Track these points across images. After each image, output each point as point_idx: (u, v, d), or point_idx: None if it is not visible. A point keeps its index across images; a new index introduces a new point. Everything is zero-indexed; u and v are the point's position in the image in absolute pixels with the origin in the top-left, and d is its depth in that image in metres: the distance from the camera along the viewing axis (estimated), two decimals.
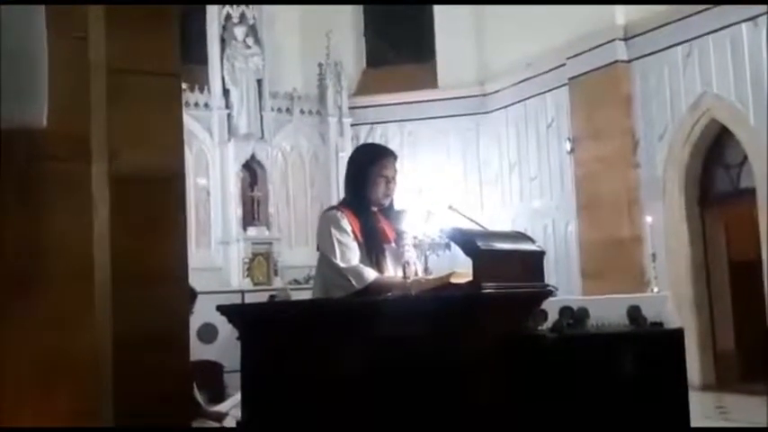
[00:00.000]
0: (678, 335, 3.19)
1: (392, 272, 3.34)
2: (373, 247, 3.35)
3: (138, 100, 3.02)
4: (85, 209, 2.59)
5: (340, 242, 3.29)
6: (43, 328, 2.46)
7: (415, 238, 3.33)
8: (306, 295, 8.49)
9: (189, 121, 10.05)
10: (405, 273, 3.22)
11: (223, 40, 10.93)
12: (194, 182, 10.44)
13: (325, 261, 3.34)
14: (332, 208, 3.56)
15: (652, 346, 3.05)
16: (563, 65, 10.28)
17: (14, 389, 2.38)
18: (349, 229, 3.33)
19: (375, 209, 3.45)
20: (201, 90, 10.77)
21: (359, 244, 3.32)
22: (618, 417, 2.85)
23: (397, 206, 3.55)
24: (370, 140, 11.29)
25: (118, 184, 2.88)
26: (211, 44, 10.86)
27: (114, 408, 2.72)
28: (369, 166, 3.43)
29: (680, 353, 3.10)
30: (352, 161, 3.58)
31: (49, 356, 2.46)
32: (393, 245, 3.41)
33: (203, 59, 10.86)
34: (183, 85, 8.79)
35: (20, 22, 2.34)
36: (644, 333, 3.18)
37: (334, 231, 3.31)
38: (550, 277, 3.33)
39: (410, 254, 3.36)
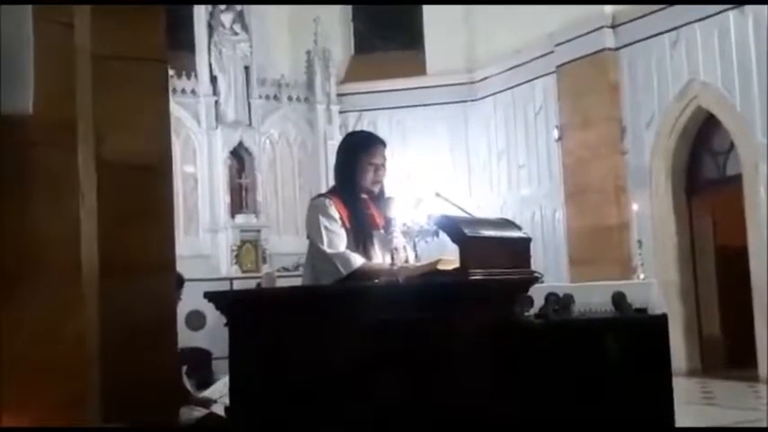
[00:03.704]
0: (662, 320, 3.21)
1: (380, 258, 3.35)
2: (361, 234, 3.36)
3: (124, 86, 3.01)
4: (72, 195, 2.58)
5: (327, 229, 3.30)
6: (31, 318, 2.46)
7: (404, 224, 3.34)
8: (294, 282, 8.52)
9: (176, 107, 9.99)
10: (393, 259, 3.23)
11: (210, 27, 10.87)
12: (181, 169, 10.39)
13: (314, 248, 3.35)
14: (320, 195, 3.57)
15: (636, 332, 3.08)
16: (551, 52, 10.28)
17: (3, 379, 2.37)
18: (337, 216, 3.34)
19: (365, 196, 3.47)
20: (189, 77, 10.70)
21: (347, 231, 3.33)
22: (602, 401, 2.87)
23: (387, 193, 3.56)
24: (358, 127, 11.26)
25: (104, 170, 2.87)
26: (198, 30, 10.79)
27: (102, 395, 2.72)
28: (357, 153, 3.44)
29: (663, 338, 3.12)
30: (341, 149, 3.59)
31: (37, 346, 2.45)
32: (382, 231, 3.42)
33: (190, 46, 10.79)
34: (170, 72, 8.74)
35: (5, 10, 2.33)
36: (628, 319, 3.21)
37: (321, 219, 3.32)
38: (538, 264, 3.35)
39: (398, 240, 3.37)
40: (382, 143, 3.49)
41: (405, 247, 3.45)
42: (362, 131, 4.11)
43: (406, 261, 3.38)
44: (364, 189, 3.44)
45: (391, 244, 3.30)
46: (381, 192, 3.51)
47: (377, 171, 3.44)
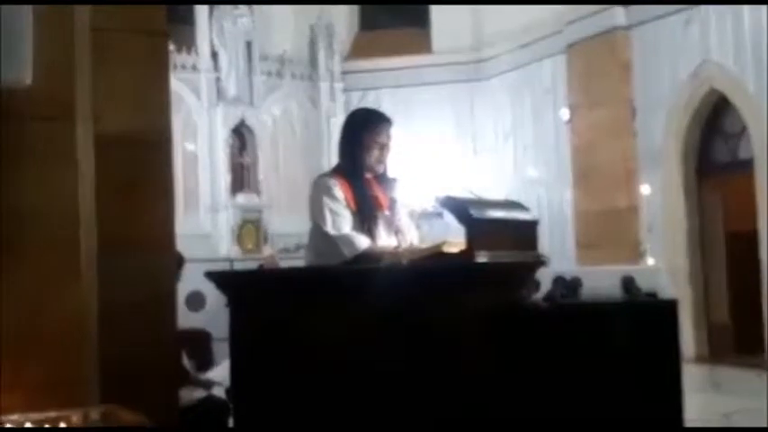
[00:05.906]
0: (672, 306, 3.17)
1: (385, 240, 3.29)
2: (366, 215, 3.29)
3: (124, 60, 2.95)
4: (71, 170, 2.53)
5: (332, 210, 3.24)
6: (28, 293, 2.41)
7: (409, 205, 3.29)
8: (295, 264, 8.45)
9: (176, 83, 9.79)
10: (398, 241, 3.16)
11: None
12: (182, 146, 10.27)
13: (317, 229, 3.29)
14: (324, 175, 3.49)
15: (645, 317, 3.04)
16: (561, 31, 10.15)
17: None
18: (341, 196, 3.27)
19: (369, 176, 3.39)
20: (189, 51, 10.53)
21: (351, 212, 3.27)
22: (610, 387, 2.84)
23: (391, 174, 3.48)
24: (362, 106, 11.16)
25: (103, 146, 2.81)
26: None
27: (100, 373, 2.67)
28: (362, 131, 3.36)
29: (673, 324, 3.08)
30: (346, 126, 3.51)
31: (34, 321, 2.41)
32: (386, 213, 3.34)
33: (191, 20, 10.63)
34: (171, 47, 8.62)
35: None
36: (637, 303, 3.17)
37: (325, 199, 3.25)
38: (544, 247, 3.29)
39: (403, 222, 3.30)
40: (388, 121, 3.41)
41: (411, 227, 3.38)
42: (368, 108, 4.03)
43: (412, 243, 3.32)
44: (368, 168, 3.36)
45: (395, 225, 3.23)
46: (385, 172, 3.43)
47: (381, 150, 3.36)
